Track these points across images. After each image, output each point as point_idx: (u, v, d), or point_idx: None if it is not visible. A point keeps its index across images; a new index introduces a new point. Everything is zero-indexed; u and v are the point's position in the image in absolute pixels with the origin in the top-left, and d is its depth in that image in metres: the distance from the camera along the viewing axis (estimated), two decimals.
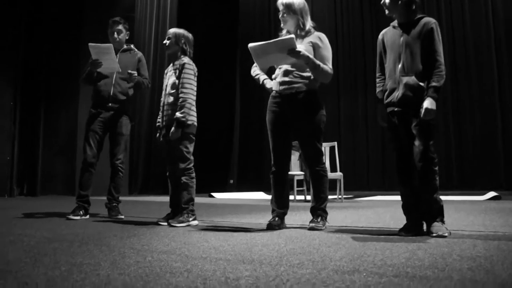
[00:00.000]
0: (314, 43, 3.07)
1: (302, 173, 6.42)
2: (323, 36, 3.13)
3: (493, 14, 8.25)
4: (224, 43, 11.42)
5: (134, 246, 2.18)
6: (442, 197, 2.69)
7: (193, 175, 3.42)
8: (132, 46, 4.41)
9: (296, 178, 6.36)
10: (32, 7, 9.46)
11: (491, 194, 6.49)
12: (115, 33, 4.29)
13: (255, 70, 3.33)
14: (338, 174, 6.20)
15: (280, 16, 3.16)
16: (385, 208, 4.82)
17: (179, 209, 3.41)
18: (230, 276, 1.47)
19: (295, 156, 6.34)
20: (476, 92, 8.35)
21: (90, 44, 3.98)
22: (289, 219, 3.37)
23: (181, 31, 3.60)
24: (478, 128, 8.31)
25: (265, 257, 1.82)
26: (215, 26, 11.00)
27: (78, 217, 3.88)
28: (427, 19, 2.72)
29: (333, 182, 6.02)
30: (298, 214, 4.13)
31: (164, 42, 3.60)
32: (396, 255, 1.85)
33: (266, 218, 3.40)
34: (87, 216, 4.01)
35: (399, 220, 3.14)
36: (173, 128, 3.35)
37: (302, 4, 3.15)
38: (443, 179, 7.99)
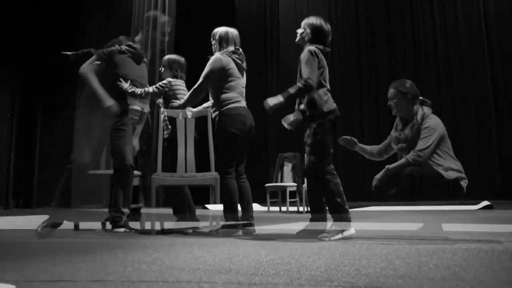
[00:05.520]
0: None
1: (295, 184, 6.41)
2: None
3: None
4: None
5: (118, 257, 2.20)
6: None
7: None
8: None
9: (288, 189, 6.36)
10: (30, 19, 9.56)
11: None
12: None
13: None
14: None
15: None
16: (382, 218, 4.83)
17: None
18: (204, 286, 1.50)
19: (287, 167, 6.36)
20: None
21: None
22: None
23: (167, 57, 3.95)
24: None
25: (243, 267, 1.84)
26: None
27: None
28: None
29: None
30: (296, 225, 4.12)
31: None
32: (373, 265, 1.87)
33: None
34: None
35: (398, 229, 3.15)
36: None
37: None
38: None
